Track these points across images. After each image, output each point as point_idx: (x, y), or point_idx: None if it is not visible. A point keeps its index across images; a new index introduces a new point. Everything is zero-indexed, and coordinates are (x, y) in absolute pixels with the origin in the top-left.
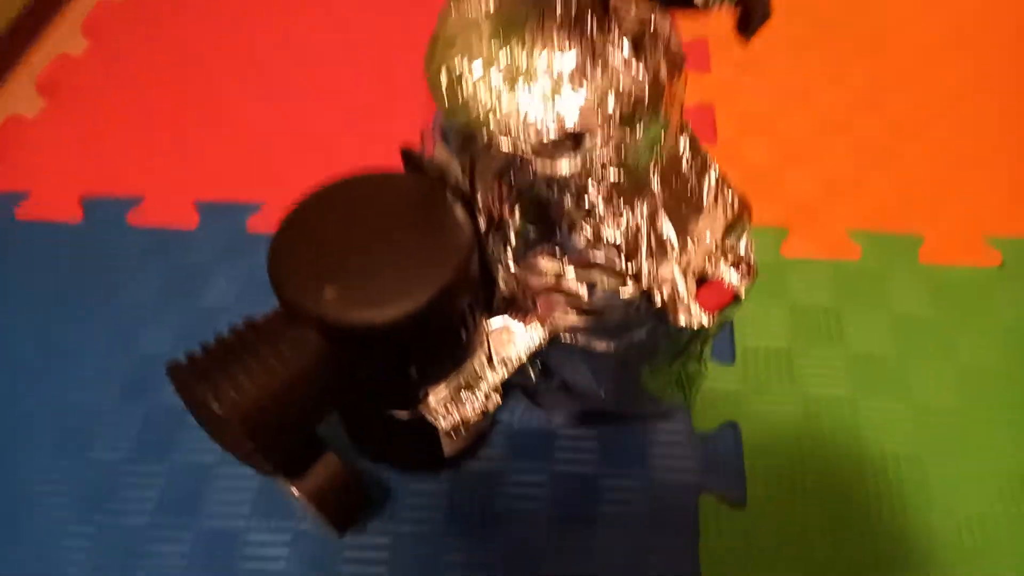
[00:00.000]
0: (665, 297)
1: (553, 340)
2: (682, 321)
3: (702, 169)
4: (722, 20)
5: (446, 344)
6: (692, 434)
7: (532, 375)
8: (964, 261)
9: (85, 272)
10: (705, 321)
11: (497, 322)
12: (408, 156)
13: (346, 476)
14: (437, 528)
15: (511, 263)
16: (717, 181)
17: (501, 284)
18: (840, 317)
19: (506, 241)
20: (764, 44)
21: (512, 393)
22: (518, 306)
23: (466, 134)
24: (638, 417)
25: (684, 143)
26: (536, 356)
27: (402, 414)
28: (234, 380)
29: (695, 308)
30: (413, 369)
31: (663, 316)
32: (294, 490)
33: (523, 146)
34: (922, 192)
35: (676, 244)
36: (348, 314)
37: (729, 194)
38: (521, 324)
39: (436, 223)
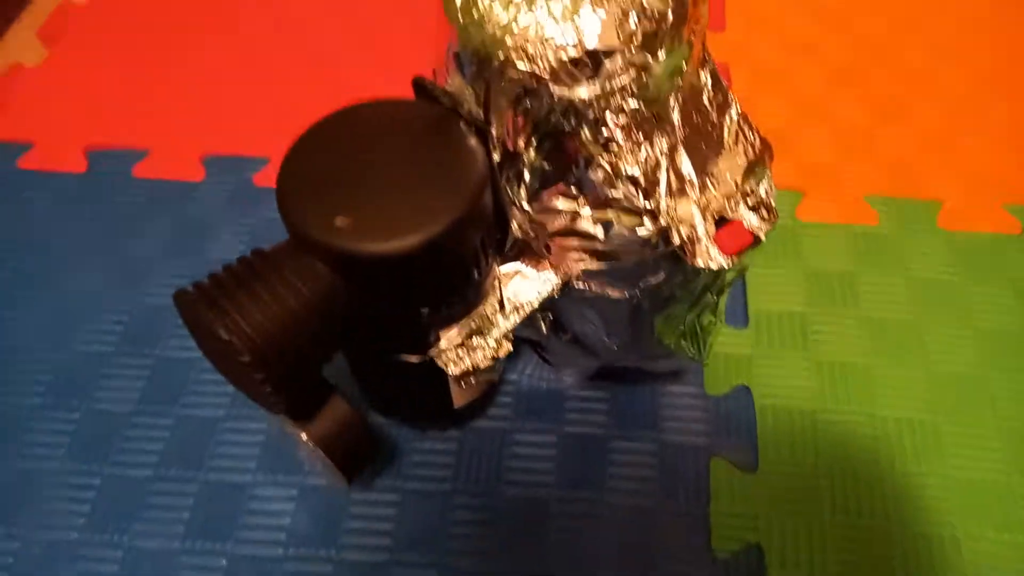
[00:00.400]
0: (684, 237)
1: (566, 287)
2: (700, 262)
3: (723, 106)
4: None
5: (458, 283)
6: (704, 396)
7: (543, 328)
8: (983, 227)
9: (89, 223)
10: (724, 263)
11: (510, 267)
12: (420, 86)
13: (355, 421)
14: (444, 486)
15: (524, 202)
16: (738, 119)
17: (514, 226)
18: (855, 282)
19: (520, 177)
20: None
21: (522, 351)
22: (531, 250)
23: (480, 56)
24: (650, 376)
25: (706, 77)
26: (548, 305)
27: (413, 358)
28: (242, 307)
29: (714, 250)
30: (424, 309)
31: (680, 258)
32: (302, 435)
33: (540, 68)
34: (940, 153)
35: (696, 182)
36: (358, 243)
37: (751, 134)
38: (534, 269)
39: (449, 152)
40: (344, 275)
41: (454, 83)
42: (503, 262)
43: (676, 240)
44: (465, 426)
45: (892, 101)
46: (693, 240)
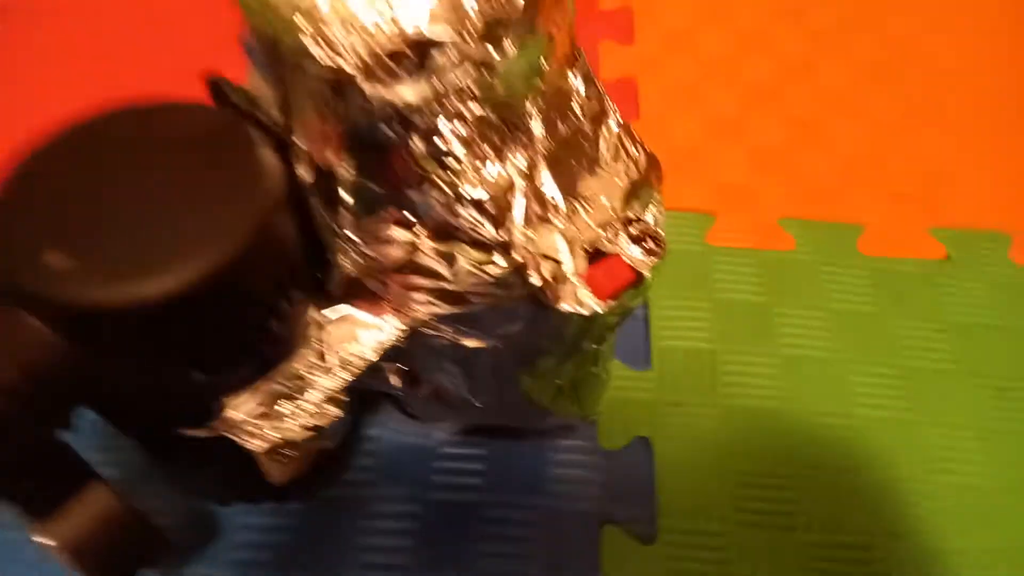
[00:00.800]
0: (546, 276)
1: (413, 335)
2: (567, 306)
3: (599, 115)
4: None
5: (246, 339)
6: (597, 451)
7: (394, 381)
8: (907, 253)
9: None
10: (597, 307)
11: (335, 311)
12: (216, 88)
13: (120, 515)
14: (275, 573)
15: (348, 230)
16: (619, 132)
17: (340, 260)
18: (770, 313)
19: (336, 200)
20: (691, 14)
21: (382, 402)
22: (366, 290)
23: (271, 46)
24: (534, 430)
25: (576, 79)
26: (393, 356)
27: (198, 432)
28: None
29: (584, 291)
30: (198, 375)
31: (543, 301)
32: (48, 542)
33: (347, 61)
34: (860, 175)
35: (563, 207)
36: (77, 290)
37: (634, 149)
38: (369, 314)
39: (229, 170)
40: (67, 332)
41: (254, 82)
42: (326, 305)
43: (535, 280)
44: (310, 496)
45: (812, 121)
46: (558, 279)
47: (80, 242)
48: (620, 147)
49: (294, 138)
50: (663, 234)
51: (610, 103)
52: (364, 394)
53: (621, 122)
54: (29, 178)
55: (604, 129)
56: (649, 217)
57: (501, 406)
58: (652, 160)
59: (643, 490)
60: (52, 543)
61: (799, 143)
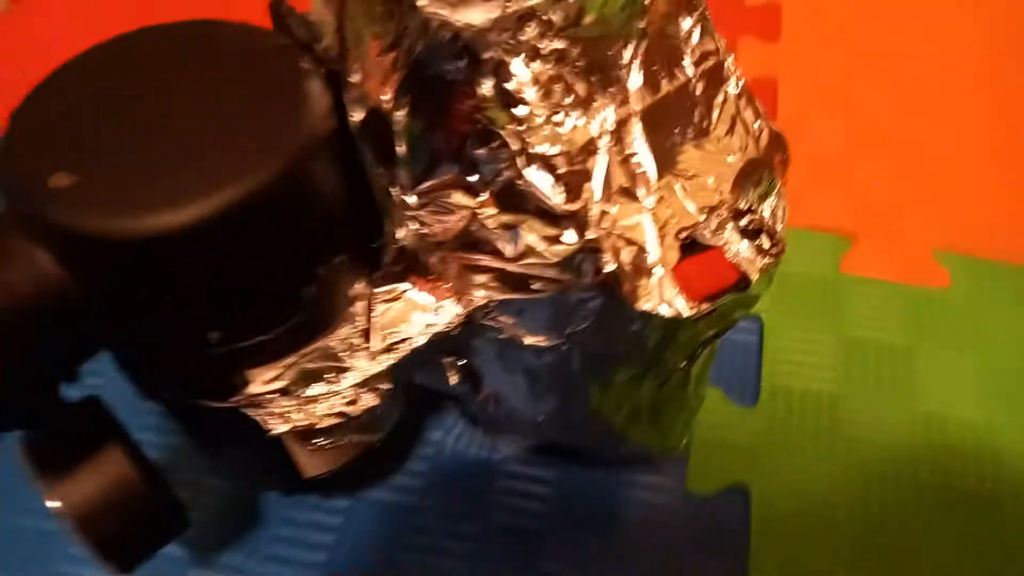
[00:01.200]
0: (625, 262)
1: (470, 326)
2: (645, 304)
3: (715, 74)
4: None
5: (271, 301)
6: (684, 495)
7: (452, 380)
8: None
9: None
10: (684, 310)
11: (390, 289)
12: (276, 12)
13: (135, 482)
14: (312, 571)
15: (404, 193)
16: (737, 97)
17: (396, 228)
18: (913, 360)
19: (390, 152)
20: (847, 8)
21: (448, 405)
22: (422, 267)
23: None
24: (612, 459)
25: (691, 26)
26: (450, 349)
27: (215, 403)
28: None
29: (671, 288)
30: (213, 334)
31: (618, 294)
32: (52, 502)
33: None
34: None
35: (655, 181)
36: (78, 214)
37: (756, 122)
38: (428, 294)
39: (267, 100)
40: (70, 266)
41: (316, 7)
42: (381, 281)
43: (610, 266)
44: (356, 494)
45: (987, 137)
46: (639, 269)
47: (88, 163)
48: (738, 118)
49: (349, 74)
50: (782, 231)
51: (732, 64)
52: (426, 392)
53: (743, 87)
54: (49, 94)
55: (720, 94)
56: (766, 210)
57: (565, 423)
58: (778, 139)
59: (734, 546)
60: (56, 505)
61: (966, 162)
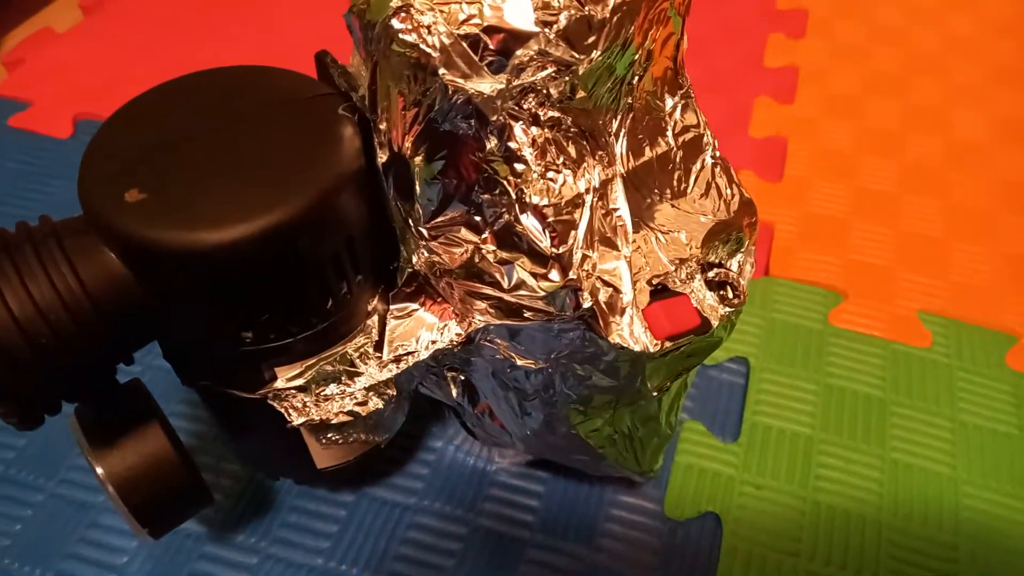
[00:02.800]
0: (600, 300)
1: (471, 346)
2: (615, 336)
3: (694, 145)
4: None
5: (296, 308)
6: (661, 517)
7: (455, 393)
8: None
9: (41, 183)
10: (649, 346)
11: (403, 308)
12: (320, 61)
13: (170, 459)
14: (315, 560)
15: (420, 225)
16: (713, 166)
17: (411, 255)
18: (886, 411)
19: (409, 190)
20: (860, 81)
21: (451, 417)
22: (432, 291)
23: (367, 25)
24: (598, 473)
25: (674, 104)
26: (453, 365)
27: (245, 394)
28: None
29: (639, 326)
30: (246, 334)
31: (593, 327)
32: (97, 467)
33: (428, 43)
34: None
35: (631, 233)
36: (146, 226)
37: (727, 188)
38: (430, 313)
39: (307, 139)
40: (135, 268)
41: (354, 61)
42: (395, 300)
43: (587, 303)
44: (360, 491)
45: (978, 211)
46: (613, 307)
47: (156, 183)
48: (713, 183)
49: (378, 122)
50: (744, 284)
51: (711, 137)
52: (430, 403)
53: (719, 157)
54: (125, 122)
55: (698, 162)
56: (734, 264)
57: (550, 439)
58: (748, 204)
59: (702, 570)
60: (100, 472)
61: (958, 233)
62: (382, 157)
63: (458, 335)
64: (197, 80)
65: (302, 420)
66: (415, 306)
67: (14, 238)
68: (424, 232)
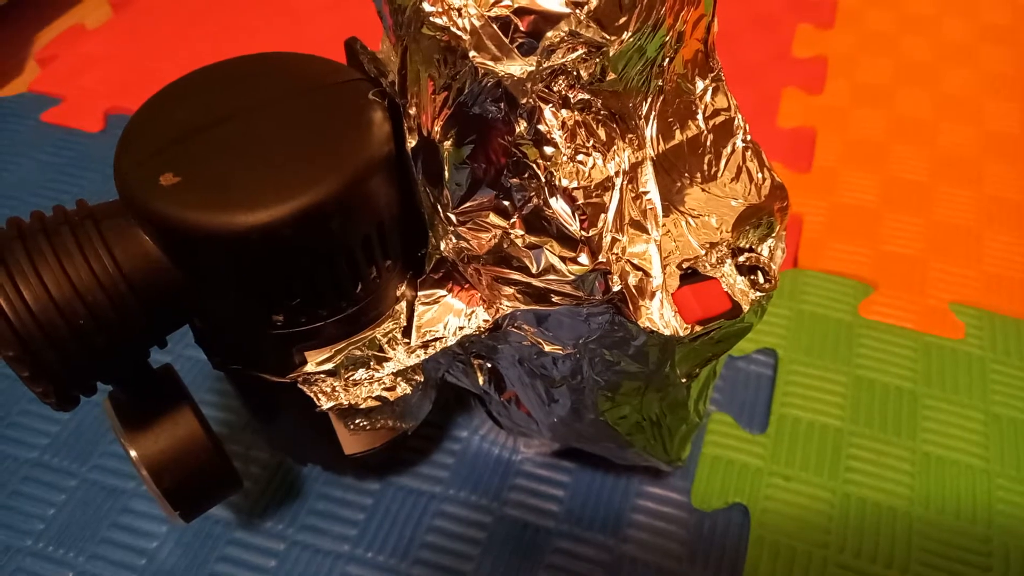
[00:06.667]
0: (629, 283)
1: (496, 330)
2: (644, 320)
3: (724, 128)
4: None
5: (326, 291)
6: (688, 508)
7: (481, 381)
8: None
9: (72, 176)
10: (678, 329)
11: (431, 294)
12: (350, 48)
13: (202, 443)
14: (342, 547)
15: (448, 211)
16: (744, 149)
17: (439, 241)
18: (918, 404)
19: (439, 175)
20: (891, 71)
21: (477, 406)
22: (459, 277)
23: (398, 10)
24: (625, 462)
25: (705, 87)
26: (483, 352)
27: (275, 378)
28: (15, 268)
29: (668, 309)
30: (278, 316)
31: (622, 311)
32: (130, 449)
33: (459, 26)
34: None
35: (661, 217)
36: (179, 209)
37: (759, 172)
38: (461, 301)
39: (336, 125)
40: (169, 250)
41: (384, 47)
42: (424, 285)
43: (616, 286)
44: (386, 479)
45: (1012, 201)
46: (642, 291)
47: (189, 167)
48: (744, 167)
49: (407, 106)
50: (775, 269)
51: (742, 121)
52: (456, 391)
53: (749, 141)
54: (158, 107)
55: (728, 146)
56: (764, 249)
57: (577, 427)
58: (778, 187)
59: (730, 561)
60: (134, 454)
61: (992, 223)
62: (411, 142)
63: (485, 321)
64: (229, 67)
65: (331, 404)
66: (443, 292)
67: (52, 221)
68: (452, 217)
